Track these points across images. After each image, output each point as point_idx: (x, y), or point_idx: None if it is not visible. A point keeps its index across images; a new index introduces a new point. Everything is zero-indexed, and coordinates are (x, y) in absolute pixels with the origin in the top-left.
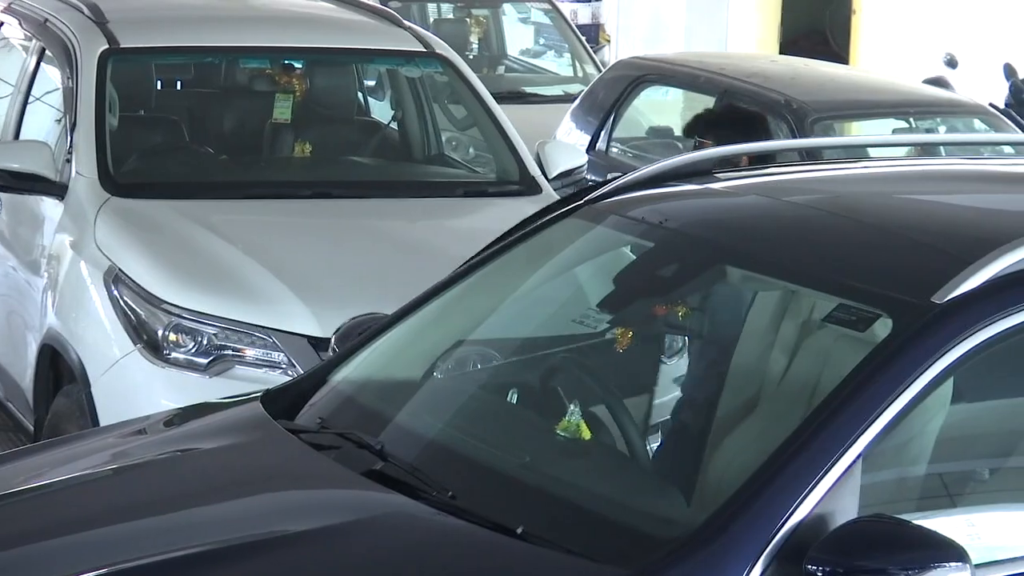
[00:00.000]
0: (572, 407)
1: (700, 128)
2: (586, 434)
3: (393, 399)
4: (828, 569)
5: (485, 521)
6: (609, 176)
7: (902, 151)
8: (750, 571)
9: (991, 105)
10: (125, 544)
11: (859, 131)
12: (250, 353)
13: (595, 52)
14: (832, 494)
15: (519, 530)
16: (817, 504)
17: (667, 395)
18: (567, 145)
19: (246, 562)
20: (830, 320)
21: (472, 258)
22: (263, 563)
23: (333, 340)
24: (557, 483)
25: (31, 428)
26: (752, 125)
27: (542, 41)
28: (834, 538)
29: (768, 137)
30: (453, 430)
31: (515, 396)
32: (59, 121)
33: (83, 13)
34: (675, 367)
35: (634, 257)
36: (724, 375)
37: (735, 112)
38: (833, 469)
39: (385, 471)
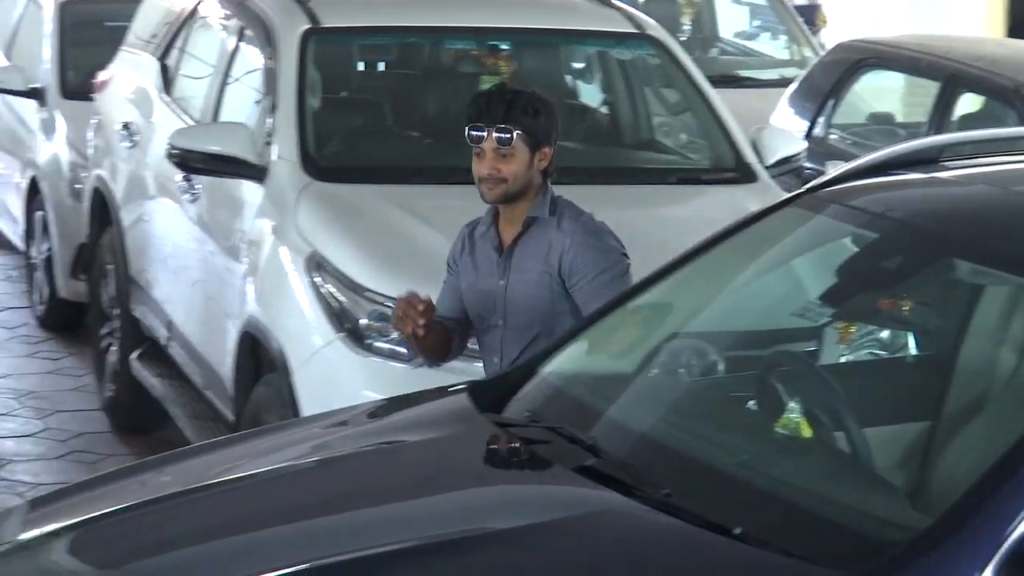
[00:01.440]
0: (792, 404)
1: None
2: (806, 432)
3: (604, 392)
4: None
5: (701, 520)
6: (828, 164)
7: None
8: None
9: None
10: (327, 539)
11: None
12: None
13: (813, 34)
14: None
15: (737, 531)
16: None
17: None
18: (784, 131)
19: (453, 559)
20: None
21: (690, 249)
22: (471, 560)
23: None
24: (776, 482)
25: (231, 418)
26: None
27: (757, 23)
28: None
29: None
30: (667, 425)
31: (732, 392)
32: (259, 103)
33: None
34: (899, 364)
35: (856, 249)
36: (950, 372)
37: None
38: None
39: (597, 467)
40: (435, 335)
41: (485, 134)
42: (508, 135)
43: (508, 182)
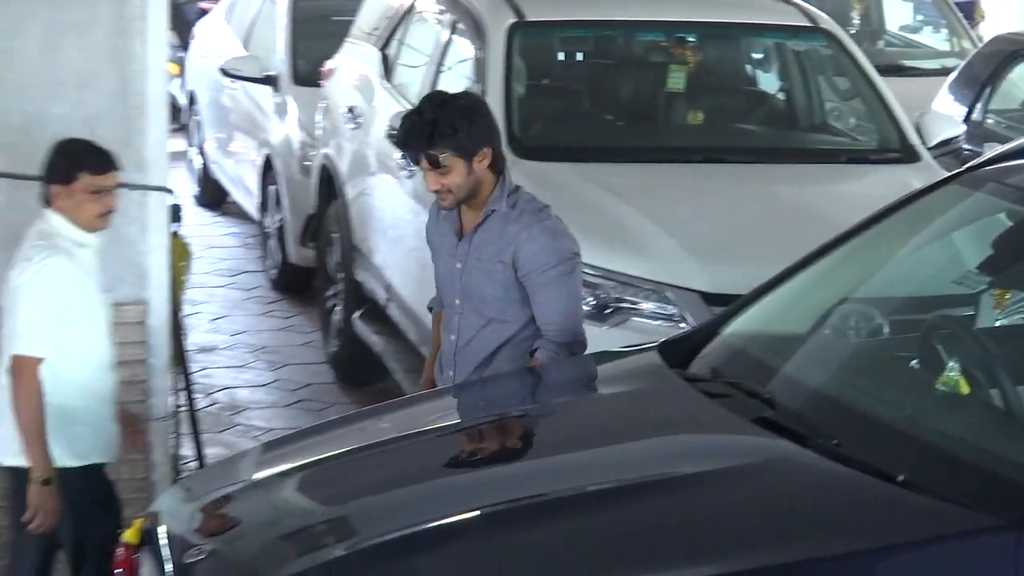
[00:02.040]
0: (951, 363)
1: None
2: (964, 389)
3: (780, 351)
4: None
5: (868, 468)
6: (986, 146)
7: None
8: None
9: None
10: (530, 481)
11: None
12: (645, 306)
13: (971, 28)
14: None
15: (900, 478)
16: None
17: None
18: (945, 116)
19: (641, 501)
20: None
21: (859, 222)
22: (658, 503)
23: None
24: (936, 434)
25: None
26: None
27: (920, 17)
28: None
29: None
30: (837, 382)
31: (896, 352)
32: (471, 88)
33: None
34: None
35: (1011, 223)
36: None
37: None
38: None
39: (774, 418)
40: None
41: (417, 159)
42: (436, 159)
43: (454, 192)
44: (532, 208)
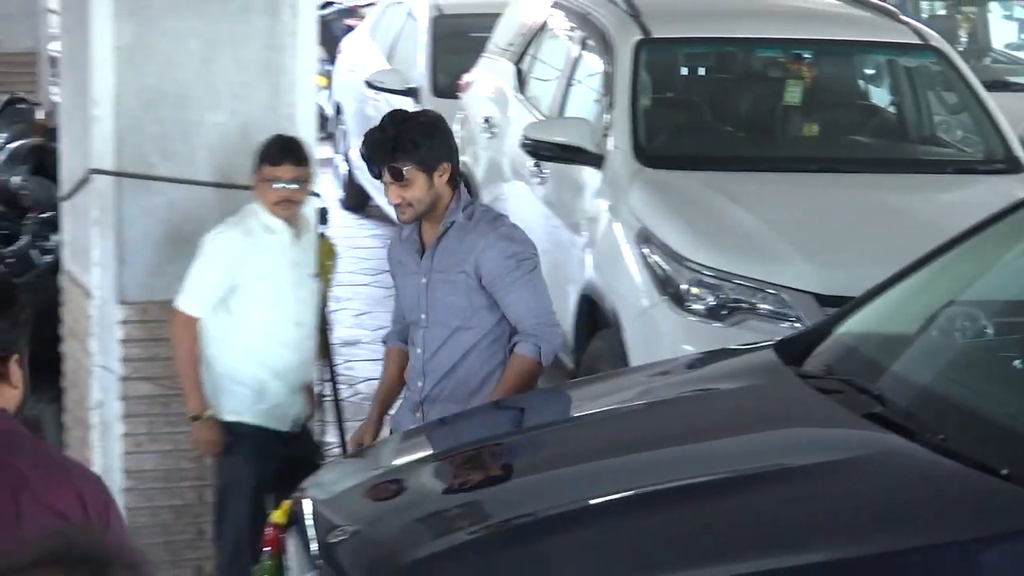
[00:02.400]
0: None
1: None
2: None
3: (890, 350)
4: None
5: (972, 462)
6: None
7: None
8: None
9: None
10: (652, 470)
11: None
12: (763, 307)
13: None
14: None
15: (1004, 471)
16: None
17: None
18: None
19: (760, 490)
20: None
21: (965, 229)
22: (775, 491)
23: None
24: None
25: (570, 366)
26: None
27: None
28: None
29: None
30: (943, 380)
31: (1000, 352)
32: (598, 101)
33: (620, 7)
34: None
35: None
36: None
37: None
38: None
39: (883, 414)
40: (396, 393)
41: (380, 173)
42: (399, 172)
43: (414, 205)
44: (488, 217)
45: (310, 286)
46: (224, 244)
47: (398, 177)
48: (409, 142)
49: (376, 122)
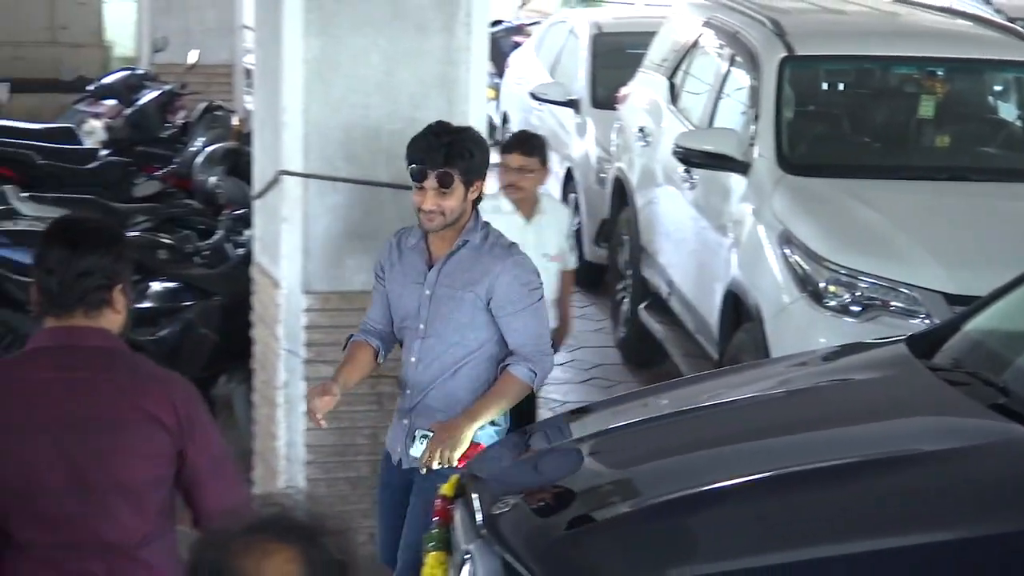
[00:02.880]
0: None
1: None
2: None
3: (1015, 346)
4: None
5: None
6: None
7: None
8: None
9: None
10: (790, 453)
11: None
12: (895, 304)
13: None
14: None
15: None
16: None
17: None
18: None
19: (892, 474)
20: None
21: None
22: (907, 475)
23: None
24: None
25: (715, 356)
26: None
27: None
28: None
29: None
30: None
31: None
32: (744, 113)
33: (767, 27)
34: None
35: None
36: None
37: None
38: None
39: (1007, 404)
40: (357, 375)
41: (427, 176)
42: (449, 177)
43: (446, 215)
44: (502, 243)
45: (546, 267)
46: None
47: (446, 183)
48: (465, 150)
49: (539, 130)
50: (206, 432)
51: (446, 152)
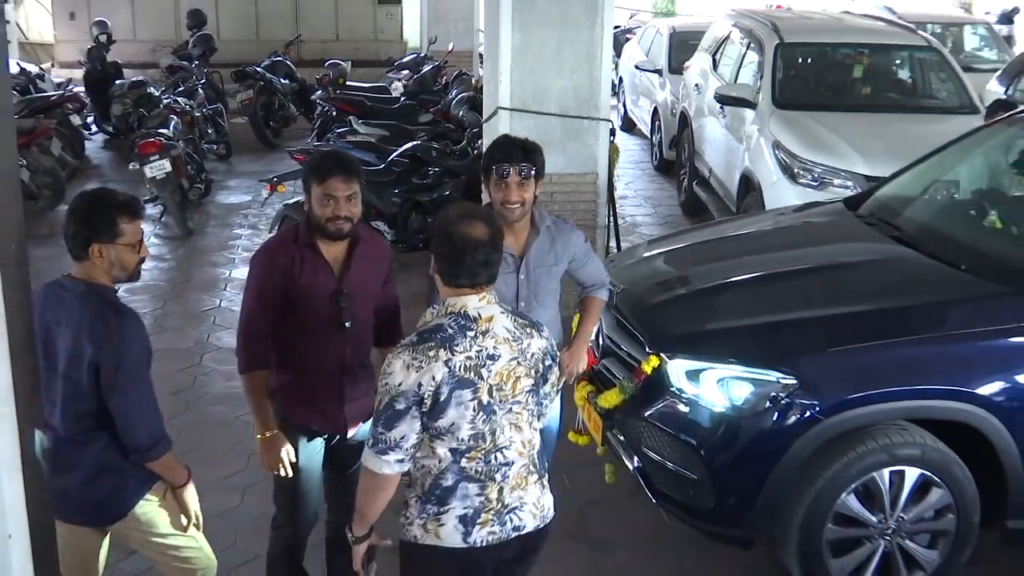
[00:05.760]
0: (992, 212)
1: None
2: (999, 225)
3: (904, 204)
4: None
5: (945, 261)
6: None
7: None
8: None
9: None
10: (769, 262)
11: None
12: (836, 181)
13: (1010, 45)
14: None
15: (963, 267)
16: None
17: None
18: (994, 92)
19: (830, 273)
20: None
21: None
22: (838, 273)
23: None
24: (983, 246)
25: (734, 210)
26: None
27: (982, 43)
28: None
29: None
30: (932, 219)
31: (962, 206)
32: (755, 75)
33: (768, 26)
34: None
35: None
36: None
37: None
38: None
39: (900, 236)
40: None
41: (512, 171)
42: (528, 171)
43: (524, 205)
44: (558, 220)
45: None
46: None
47: (527, 175)
48: (537, 151)
49: (639, 87)
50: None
51: (523, 152)
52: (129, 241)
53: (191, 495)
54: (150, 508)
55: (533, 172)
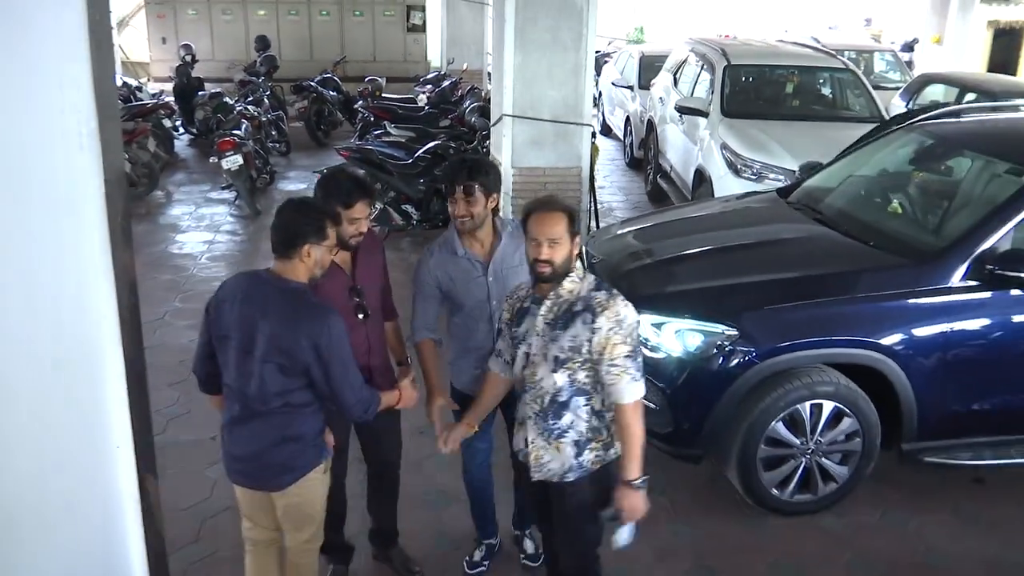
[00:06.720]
0: (895, 200)
1: None
2: (899, 210)
3: (826, 193)
4: None
5: (857, 238)
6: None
7: None
8: None
9: None
10: (717, 238)
11: None
12: (771, 175)
13: (910, 70)
14: None
15: (871, 243)
16: None
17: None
18: (897, 105)
19: (764, 247)
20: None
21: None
22: (770, 248)
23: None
24: (887, 227)
25: (690, 198)
26: None
27: (888, 66)
28: None
29: None
30: (847, 205)
31: (870, 196)
32: (707, 90)
33: (719, 51)
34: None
35: (926, 142)
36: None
37: None
38: None
39: (821, 218)
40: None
41: (458, 189)
42: (472, 188)
43: (474, 218)
44: (513, 224)
45: None
46: None
47: (470, 192)
48: (481, 169)
49: (614, 99)
50: None
51: (470, 169)
52: (331, 244)
53: (407, 394)
54: (315, 477)
55: (476, 189)
